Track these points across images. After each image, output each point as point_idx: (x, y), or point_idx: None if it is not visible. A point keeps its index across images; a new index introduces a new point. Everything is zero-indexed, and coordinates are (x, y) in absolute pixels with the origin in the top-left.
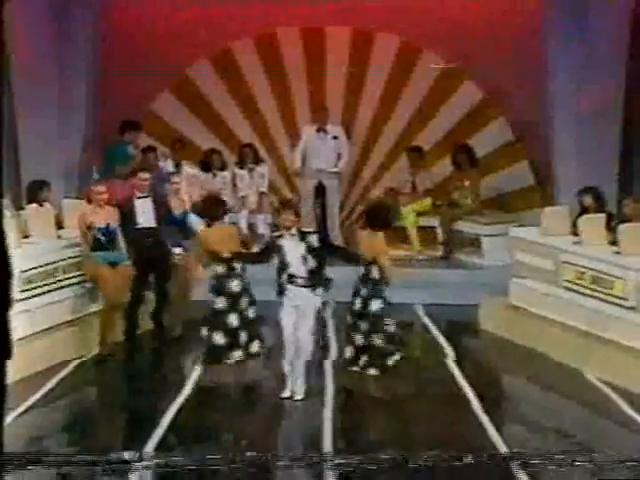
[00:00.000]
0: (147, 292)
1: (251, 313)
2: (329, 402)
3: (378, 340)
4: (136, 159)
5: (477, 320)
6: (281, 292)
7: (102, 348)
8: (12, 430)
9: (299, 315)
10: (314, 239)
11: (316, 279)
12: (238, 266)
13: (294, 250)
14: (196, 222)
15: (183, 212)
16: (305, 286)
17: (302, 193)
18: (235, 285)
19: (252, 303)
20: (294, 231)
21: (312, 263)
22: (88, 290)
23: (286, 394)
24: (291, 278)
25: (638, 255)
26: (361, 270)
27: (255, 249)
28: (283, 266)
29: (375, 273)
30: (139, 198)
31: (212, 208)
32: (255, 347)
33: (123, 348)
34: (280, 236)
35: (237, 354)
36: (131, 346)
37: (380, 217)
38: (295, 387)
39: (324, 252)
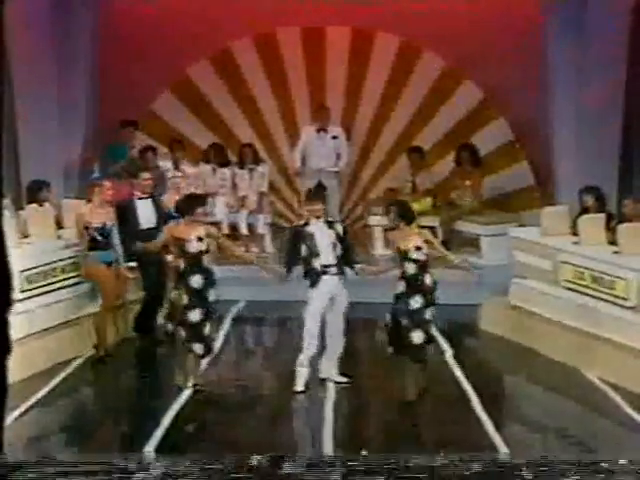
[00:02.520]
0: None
1: (193, 316)
2: (330, 401)
3: (417, 338)
4: (130, 158)
5: (477, 320)
6: (315, 282)
7: (100, 349)
8: (13, 430)
9: (333, 305)
10: (340, 228)
11: (342, 266)
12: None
13: (324, 238)
14: None
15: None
16: (336, 274)
17: (302, 193)
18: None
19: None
20: (322, 220)
21: (339, 251)
22: (88, 290)
23: (300, 387)
24: (324, 268)
25: (638, 255)
26: (406, 268)
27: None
28: (313, 254)
29: (408, 267)
30: (140, 199)
31: (184, 204)
32: (197, 349)
33: (121, 349)
34: (307, 224)
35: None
36: (129, 346)
37: (409, 211)
38: (332, 374)
39: (346, 242)
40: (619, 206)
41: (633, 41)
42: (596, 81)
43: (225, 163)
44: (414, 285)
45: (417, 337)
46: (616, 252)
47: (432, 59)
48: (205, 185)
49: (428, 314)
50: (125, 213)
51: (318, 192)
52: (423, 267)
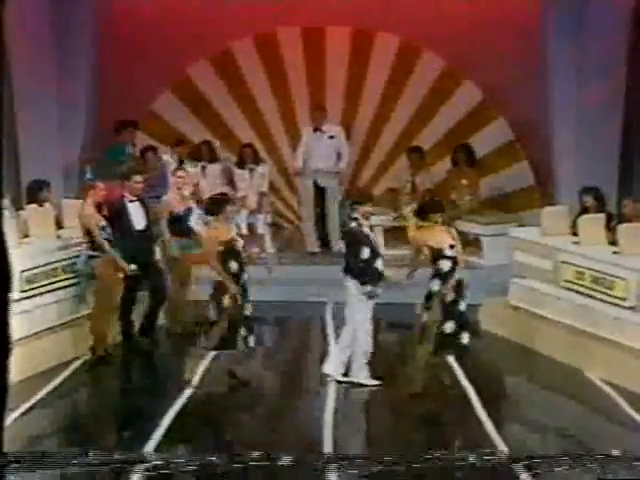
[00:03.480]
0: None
1: (247, 310)
2: (330, 403)
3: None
4: (133, 158)
5: (477, 320)
6: (377, 282)
7: (99, 349)
8: (13, 430)
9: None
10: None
11: None
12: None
13: (376, 238)
14: (195, 220)
15: (185, 209)
16: None
17: (302, 193)
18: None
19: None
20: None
21: None
22: (87, 290)
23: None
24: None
25: (638, 255)
26: (441, 266)
27: None
28: (377, 255)
29: (444, 264)
30: (131, 202)
31: (215, 204)
32: (251, 342)
33: (121, 348)
34: (361, 225)
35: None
36: (129, 346)
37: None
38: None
39: None
40: (619, 206)
41: (633, 41)
42: (596, 81)
43: (215, 160)
44: (449, 281)
45: (449, 328)
46: (616, 252)
47: (432, 59)
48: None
49: (462, 306)
50: (118, 215)
51: (369, 194)
52: (456, 264)
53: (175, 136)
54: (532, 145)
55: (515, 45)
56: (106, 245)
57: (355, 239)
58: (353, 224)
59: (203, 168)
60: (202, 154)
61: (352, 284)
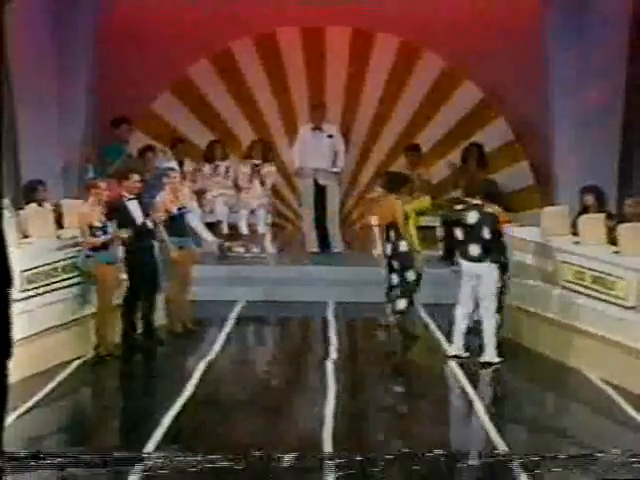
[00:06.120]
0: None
1: (409, 276)
2: (330, 402)
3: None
4: (127, 155)
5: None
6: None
7: (101, 348)
8: (13, 431)
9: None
10: None
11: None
12: (392, 234)
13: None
14: (192, 218)
15: (179, 208)
16: None
17: (302, 192)
18: (389, 250)
19: (407, 268)
20: None
21: None
22: (88, 290)
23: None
24: None
25: (638, 255)
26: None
27: None
28: None
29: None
30: (130, 200)
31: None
32: (401, 305)
33: (121, 348)
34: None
35: (388, 308)
36: (130, 346)
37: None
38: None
39: None
40: (619, 206)
41: (633, 40)
42: (596, 81)
43: (227, 159)
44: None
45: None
46: (616, 252)
47: (432, 59)
48: (204, 183)
49: None
50: (120, 211)
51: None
52: None
53: (174, 136)
54: (532, 145)
55: (515, 45)
56: (87, 246)
57: (497, 225)
58: (489, 209)
59: (216, 167)
60: (215, 153)
61: (486, 267)
